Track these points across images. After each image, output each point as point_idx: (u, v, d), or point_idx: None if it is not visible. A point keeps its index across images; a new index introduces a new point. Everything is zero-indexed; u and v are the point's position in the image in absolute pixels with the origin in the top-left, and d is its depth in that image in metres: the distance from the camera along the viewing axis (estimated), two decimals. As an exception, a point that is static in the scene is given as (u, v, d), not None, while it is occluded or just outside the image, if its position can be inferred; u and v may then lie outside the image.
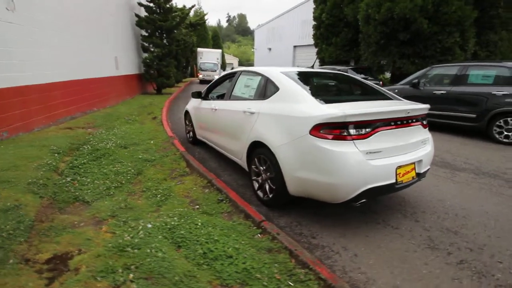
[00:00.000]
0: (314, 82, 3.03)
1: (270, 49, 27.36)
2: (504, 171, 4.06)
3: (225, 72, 4.31)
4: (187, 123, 5.44)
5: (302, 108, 2.45)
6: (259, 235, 2.30)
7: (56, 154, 3.86)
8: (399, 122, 2.42)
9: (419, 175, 2.62)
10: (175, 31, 12.79)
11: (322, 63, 13.51)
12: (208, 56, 23.35)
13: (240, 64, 48.98)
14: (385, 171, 2.29)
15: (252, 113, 3.02)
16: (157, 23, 11.88)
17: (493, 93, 5.47)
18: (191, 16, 19.17)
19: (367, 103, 2.62)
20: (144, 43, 12.38)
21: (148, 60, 12.08)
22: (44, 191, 2.75)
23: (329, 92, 2.93)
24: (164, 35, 12.53)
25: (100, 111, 7.86)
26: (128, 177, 3.43)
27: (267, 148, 2.72)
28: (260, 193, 3.00)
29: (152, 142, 5.15)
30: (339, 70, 9.44)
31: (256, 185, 3.08)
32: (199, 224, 2.38)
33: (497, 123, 5.45)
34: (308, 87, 2.75)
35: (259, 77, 3.25)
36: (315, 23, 13.44)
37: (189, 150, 4.70)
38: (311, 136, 2.30)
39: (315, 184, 2.35)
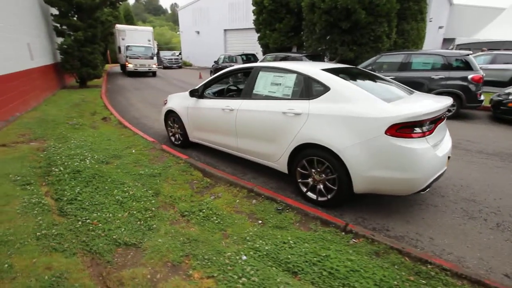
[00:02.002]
0: (356, 79, 3.06)
1: (198, 32, 25.85)
2: (459, 142, 5.08)
3: (232, 68, 3.90)
4: (171, 124, 4.78)
5: (372, 108, 2.47)
6: (353, 240, 2.30)
7: (27, 187, 2.86)
8: (443, 116, 2.73)
9: (449, 158, 3.04)
10: (99, 10, 10.63)
11: (266, 49, 13.63)
12: (134, 37, 17.53)
13: (160, 48, 44.48)
14: (443, 161, 2.58)
15: (297, 114, 2.87)
16: (73, 0, 9.60)
17: (432, 77, 6.66)
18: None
19: (417, 100, 2.81)
20: (58, 25, 9.90)
21: (66, 46, 9.78)
22: (70, 245, 2.03)
23: (375, 89, 2.98)
24: (85, 15, 10.26)
25: (26, 116, 6.06)
26: (152, 201, 2.84)
27: (325, 150, 2.67)
28: (311, 195, 2.96)
29: (134, 151, 4.35)
30: (294, 57, 9.78)
31: (304, 188, 3.01)
32: (291, 242, 2.21)
33: (436, 101, 6.71)
34: (358, 85, 2.78)
35: (294, 75, 3.08)
36: (255, 8, 13.29)
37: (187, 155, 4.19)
38: (387, 135, 2.36)
39: (391, 180, 2.46)
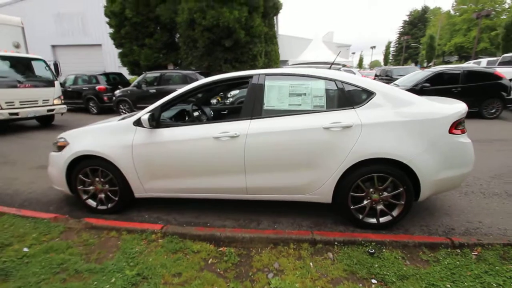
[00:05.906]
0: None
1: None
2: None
3: (208, 80, 2.74)
4: (87, 179, 2.87)
5: (432, 108, 2.36)
6: (473, 253, 2.04)
7: None
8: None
9: None
10: None
11: (135, 67, 11.52)
12: None
13: None
14: None
15: (346, 127, 2.33)
16: None
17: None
18: None
19: (436, 99, 2.90)
20: None
21: None
22: None
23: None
24: None
25: None
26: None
27: (389, 163, 2.31)
28: (370, 220, 2.50)
29: (27, 250, 2.24)
30: (186, 74, 8.78)
31: (359, 215, 2.49)
32: (449, 284, 1.66)
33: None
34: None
35: (321, 81, 2.53)
36: (111, 19, 10.99)
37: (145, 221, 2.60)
38: (451, 134, 2.32)
39: (453, 179, 2.43)
